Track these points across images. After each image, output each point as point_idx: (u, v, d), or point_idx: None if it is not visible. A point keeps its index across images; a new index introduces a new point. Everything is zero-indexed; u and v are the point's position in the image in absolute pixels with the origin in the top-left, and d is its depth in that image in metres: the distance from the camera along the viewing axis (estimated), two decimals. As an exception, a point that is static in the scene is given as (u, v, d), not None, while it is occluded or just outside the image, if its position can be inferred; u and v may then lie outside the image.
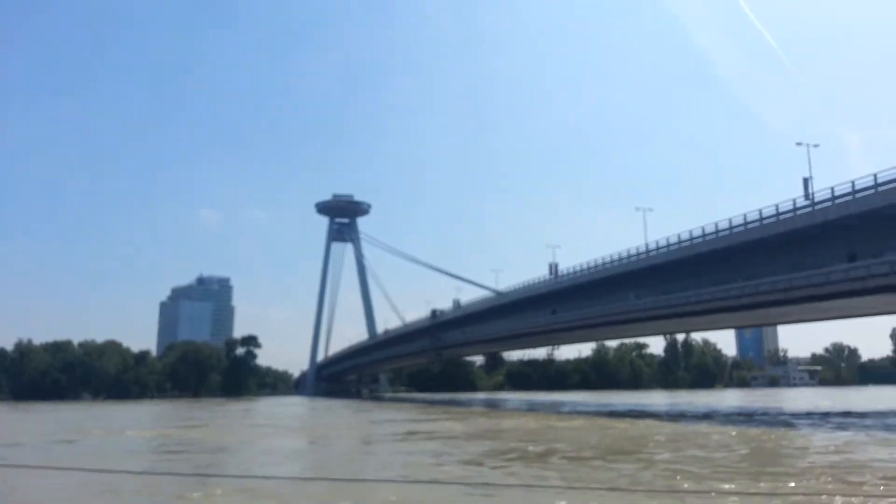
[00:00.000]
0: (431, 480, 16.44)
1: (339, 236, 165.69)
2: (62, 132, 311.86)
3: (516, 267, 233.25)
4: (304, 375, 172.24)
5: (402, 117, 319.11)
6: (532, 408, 61.03)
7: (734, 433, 30.56)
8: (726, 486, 14.85)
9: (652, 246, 49.83)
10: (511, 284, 73.73)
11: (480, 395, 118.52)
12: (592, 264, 56.99)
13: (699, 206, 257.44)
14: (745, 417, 43.67)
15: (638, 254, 51.25)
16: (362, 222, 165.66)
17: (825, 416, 43.17)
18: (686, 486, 15.17)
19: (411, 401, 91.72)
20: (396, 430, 37.34)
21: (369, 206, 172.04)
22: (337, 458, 25.94)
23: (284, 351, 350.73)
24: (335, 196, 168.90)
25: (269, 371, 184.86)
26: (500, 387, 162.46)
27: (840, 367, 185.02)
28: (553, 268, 66.15)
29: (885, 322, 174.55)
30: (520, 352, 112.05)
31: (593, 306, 56.11)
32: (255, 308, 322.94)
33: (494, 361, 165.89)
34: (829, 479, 15.98)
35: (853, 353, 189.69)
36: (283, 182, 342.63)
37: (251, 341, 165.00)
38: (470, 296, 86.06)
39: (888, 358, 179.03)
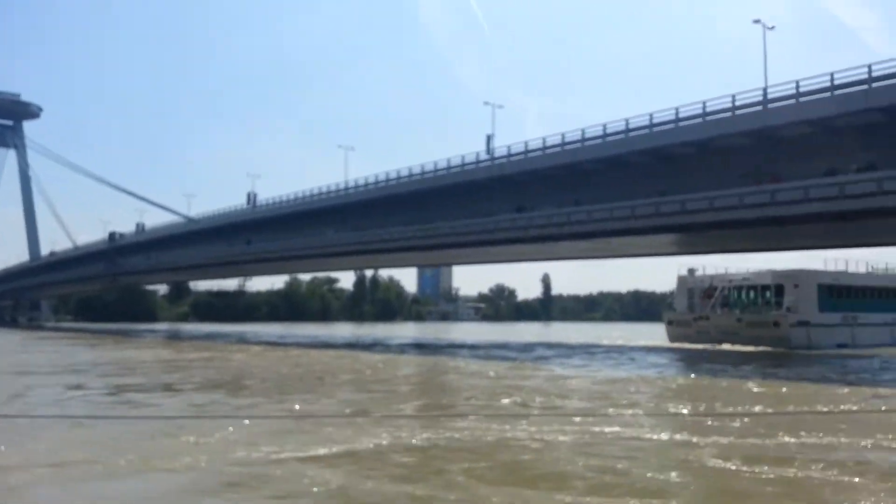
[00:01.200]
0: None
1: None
2: None
3: (213, 195, 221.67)
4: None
5: (87, 17, 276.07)
6: (210, 337, 59.89)
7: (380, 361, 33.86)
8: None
9: (351, 184, 51.74)
10: (205, 211, 70.56)
11: (162, 326, 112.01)
12: (292, 197, 57.17)
13: (398, 150, 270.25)
14: (412, 347, 48.58)
15: (337, 190, 52.76)
16: (30, 127, 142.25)
17: (473, 347, 50.02)
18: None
19: (79, 330, 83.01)
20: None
21: (40, 109, 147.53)
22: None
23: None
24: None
25: None
26: (184, 317, 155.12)
27: (500, 305, 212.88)
28: (251, 197, 64.77)
29: (538, 268, 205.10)
30: (209, 282, 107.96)
31: (290, 239, 56.53)
32: None
33: (179, 291, 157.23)
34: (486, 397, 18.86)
35: (511, 293, 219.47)
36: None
37: None
38: (158, 221, 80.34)
39: (538, 299, 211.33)
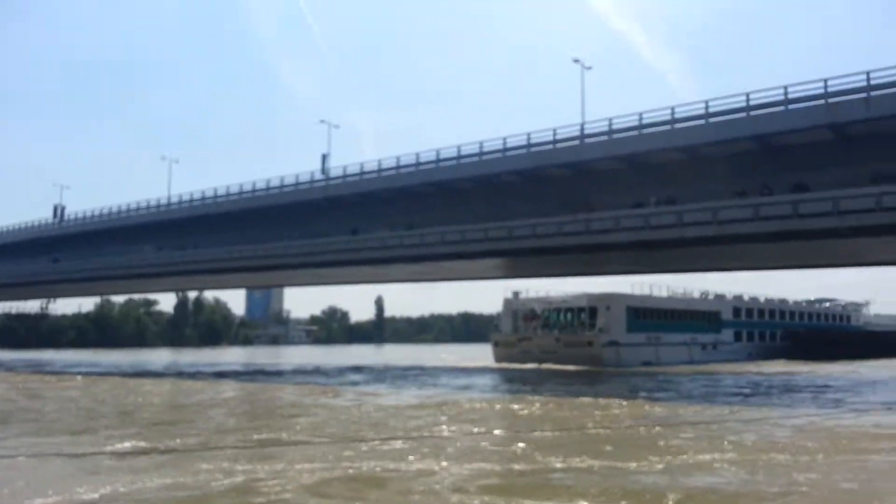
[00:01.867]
0: None
1: None
2: None
3: (13, 206, 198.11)
4: None
5: None
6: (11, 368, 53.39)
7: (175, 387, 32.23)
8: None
9: (174, 199, 48.78)
10: (3, 224, 63.18)
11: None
12: (107, 211, 52.80)
13: (227, 164, 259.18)
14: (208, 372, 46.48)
15: (158, 206, 49.49)
16: None
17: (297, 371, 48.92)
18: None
19: None
20: None
21: None
22: None
23: None
24: None
25: None
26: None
27: (333, 328, 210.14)
28: (59, 210, 58.95)
29: (372, 290, 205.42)
30: (5, 303, 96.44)
31: (104, 256, 52.07)
32: None
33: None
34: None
35: (345, 315, 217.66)
36: None
37: None
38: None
39: (371, 321, 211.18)
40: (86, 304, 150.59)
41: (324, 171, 42.26)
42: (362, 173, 39.53)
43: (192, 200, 47.26)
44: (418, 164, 37.01)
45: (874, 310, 76.62)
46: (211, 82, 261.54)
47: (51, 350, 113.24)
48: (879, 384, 30.84)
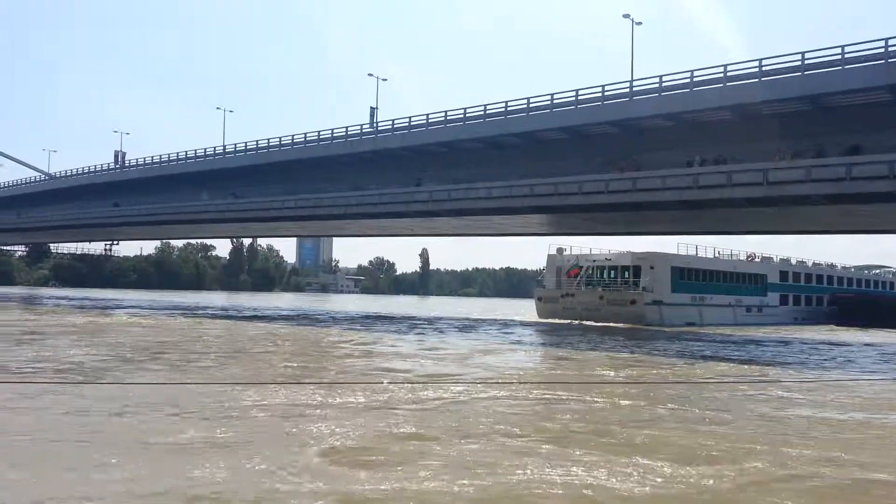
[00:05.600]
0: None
1: None
2: None
3: (78, 152, 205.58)
4: None
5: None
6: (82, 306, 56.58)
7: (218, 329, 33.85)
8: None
9: (230, 148, 50.15)
10: (68, 168, 66.05)
11: (18, 290, 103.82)
12: (166, 158, 54.70)
13: (277, 115, 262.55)
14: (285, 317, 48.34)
15: (214, 154, 51.02)
16: None
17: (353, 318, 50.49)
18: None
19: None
20: None
21: None
22: None
23: None
24: None
25: None
26: (44, 282, 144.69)
27: (380, 278, 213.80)
28: (120, 156, 61.28)
29: (417, 242, 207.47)
30: (72, 245, 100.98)
31: (162, 202, 54.17)
32: None
33: (39, 253, 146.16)
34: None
35: (391, 266, 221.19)
36: None
37: None
38: (13, 177, 74.26)
39: (416, 273, 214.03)
40: (147, 247, 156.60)
41: (372, 123, 42.81)
42: (410, 127, 39.93)
43: (245, 150, 48.53)
44: (465, 119, 37.21)
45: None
46: (262, 37, 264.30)
47: (112, 290, 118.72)
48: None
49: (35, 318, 35.76)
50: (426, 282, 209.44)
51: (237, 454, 8.02)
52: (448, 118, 38.01)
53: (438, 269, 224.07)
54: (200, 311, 48.53)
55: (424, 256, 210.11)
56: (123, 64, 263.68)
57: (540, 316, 48.37)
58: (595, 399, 13.06)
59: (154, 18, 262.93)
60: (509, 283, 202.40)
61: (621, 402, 12.96)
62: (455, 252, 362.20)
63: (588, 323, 42.97)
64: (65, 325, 30.11)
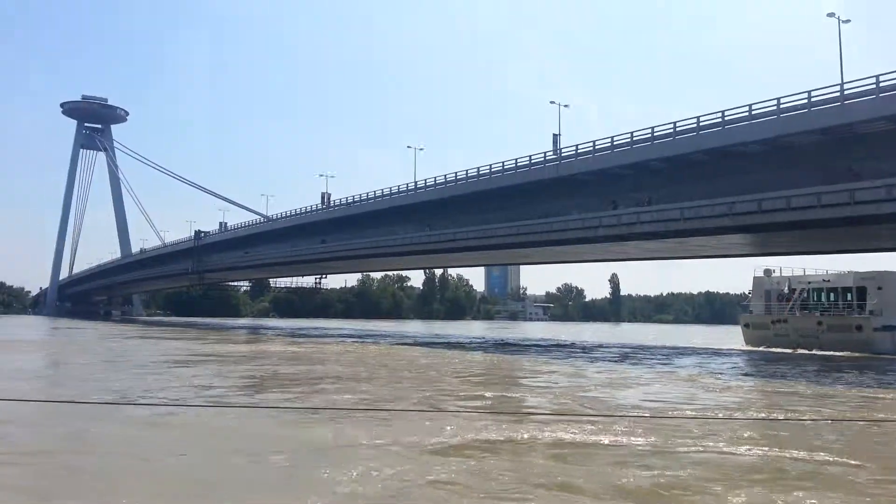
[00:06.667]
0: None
1: (89, 143, 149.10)
2: None
3: (289, 194, 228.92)
4: (44, 293, 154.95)
5: (160, 26, 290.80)
6: (294, 334, 62.04)
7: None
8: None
9: (420, 184, 52.65)
10: (281, 211, 73.22)
11: (244, 321, 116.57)
12: (364, 197, 58.65)
13: (466, 148, 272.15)
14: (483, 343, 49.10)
15: (407, 190, 53.80)
16: (119, 131, 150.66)
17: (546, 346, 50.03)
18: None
19: (171, 325, 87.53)
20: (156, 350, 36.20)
21: (127, 113, 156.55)
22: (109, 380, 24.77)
23: (21, 264, 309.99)
24: (85, 97, 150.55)
25: (1, 286, 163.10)
26: (265, 313, 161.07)
27: (568, 305, 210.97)
28: (325, 197, 66.75)
29: (606, 268, 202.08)
30: (287, 279, 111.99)
31: (362, 238, 58.04)
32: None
33: (260, 287, 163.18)
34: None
35: (580, 292, 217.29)
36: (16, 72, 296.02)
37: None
38: (238, 220, 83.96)
39: (606, 299, 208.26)
40: (350, 279, 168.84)
41: (555, 150, 42.68)
42: (594, 150, 39.25)
43: (435, 185, 50.60)
44: (653, 138, 35.83)
45: None
46: (444, 79, 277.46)
47: (321, 319, 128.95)
48: None
49: (296, 349, 39.58)
50: (617, 308, 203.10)
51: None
52: (634, 139, 36.85)
53: (630, 295, 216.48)
54: (435, 341, 51.01)
55: (614, 282, 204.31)
56: (332, 117, 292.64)
57: (747, 343, 44.68)
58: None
59: (359, 77, 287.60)
60: (710, 309, 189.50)
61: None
62: (647, 276, 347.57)
63: (802, 352, 38.95)
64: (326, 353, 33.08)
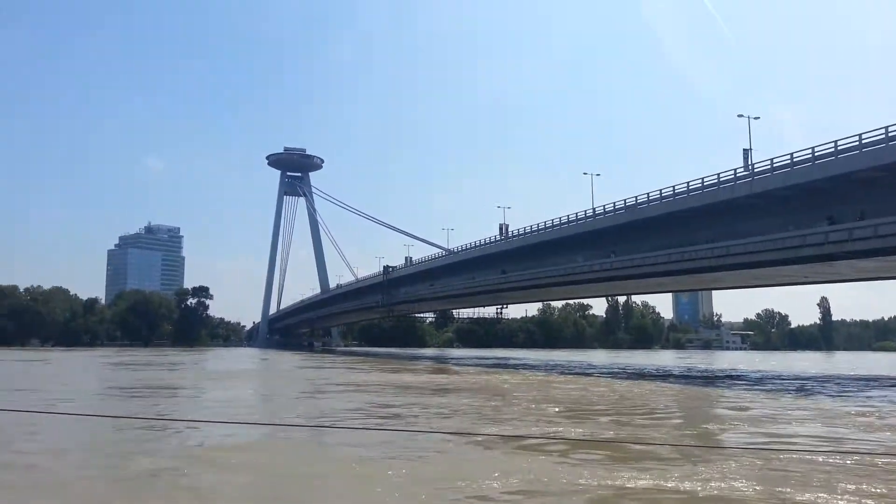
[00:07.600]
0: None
1: (291, 190, 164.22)
2: None
3: (468, 227, 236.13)
4: (256, 327, 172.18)
5: (348, 78, 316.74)
6: (481, 363, 62.89)
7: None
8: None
9: (598, 210, 51.28)
10: (462, 243, 75.11)
11: (429, 351, 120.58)
12: (542, 226, 58.42)
13: (641, 173, 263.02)
14: (686, 378, 46.29)
15: (585, 217, 52.66)
16: (315, 177, 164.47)
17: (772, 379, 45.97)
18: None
19: (366, 354, 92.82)
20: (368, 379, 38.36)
21: (322, 160, 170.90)
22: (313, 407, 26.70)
23: (237, 302, 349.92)
24: (287, 149, 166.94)
25: (221, 322, 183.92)
26: (449, 343, 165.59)
27: (771, 333, 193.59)
28: (503, 228, 67.54)
29: (814, 291, 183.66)
30: (469, 310, 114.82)
31: (541, 267, 57.71)
32: (205, 259, 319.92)
33: (444, 319, 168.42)
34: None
35: (783, 318, 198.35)
36: (231, 132, 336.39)
37: (202, 292, 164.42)
38: (420, 254, 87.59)
39: (815, 325, 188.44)
40: (531, 309, 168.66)
41: (746, 165, 39.74)
42: (792, 164, 35.99)
43: (615, 210, 49.07)
44: (861, 146, 32.17)
45: None
46: (623, 93, 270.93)
47: (505, 349, 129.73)
48: None
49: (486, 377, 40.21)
50: (828, 335, 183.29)
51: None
52: (839, 148, 33.33)
53: (843, 320, 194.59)
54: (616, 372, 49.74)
55: (824, 306, 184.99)
56: (510, 152, 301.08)
57: None
58: None
59: (537, 111, 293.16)
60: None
61: None
62: (865, 299, 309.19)
63: None
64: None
